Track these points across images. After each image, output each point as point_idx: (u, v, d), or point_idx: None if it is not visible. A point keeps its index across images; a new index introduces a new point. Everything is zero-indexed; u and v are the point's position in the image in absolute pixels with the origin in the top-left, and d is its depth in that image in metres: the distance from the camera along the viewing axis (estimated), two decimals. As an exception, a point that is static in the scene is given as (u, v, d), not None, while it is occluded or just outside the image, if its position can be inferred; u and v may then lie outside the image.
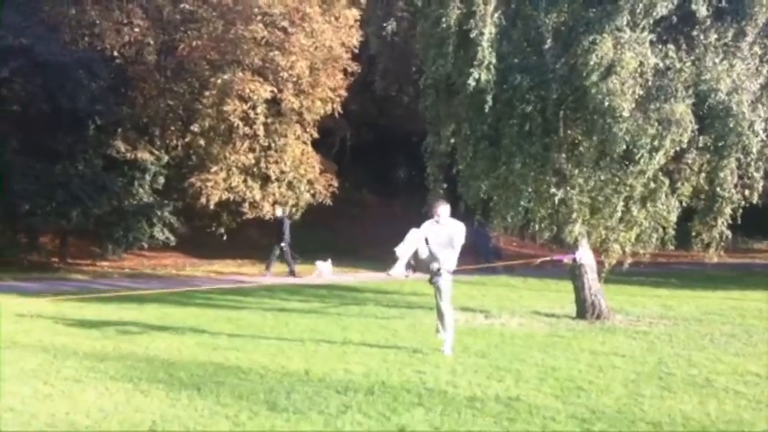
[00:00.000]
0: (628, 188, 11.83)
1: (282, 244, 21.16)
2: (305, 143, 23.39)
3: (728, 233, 12.39)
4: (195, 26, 22.77)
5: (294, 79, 22.07)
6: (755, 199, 12.19)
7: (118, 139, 22.25)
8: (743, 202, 12.18)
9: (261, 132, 21.86)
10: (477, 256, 21.24)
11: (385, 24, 13.77)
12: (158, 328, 11.25)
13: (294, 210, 23.20)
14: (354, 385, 7.61)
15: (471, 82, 11.48)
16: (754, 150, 11.65)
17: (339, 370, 8.37)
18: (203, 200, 21.91)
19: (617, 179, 11.82)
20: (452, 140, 12.91)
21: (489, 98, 11.57)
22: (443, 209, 9.40)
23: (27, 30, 20.18)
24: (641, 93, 11.31)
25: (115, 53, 22.41)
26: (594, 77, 11.09)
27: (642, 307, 14.47)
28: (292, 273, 20.99)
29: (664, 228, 12.18)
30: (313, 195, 23.50)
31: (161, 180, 22.52)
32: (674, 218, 12.12)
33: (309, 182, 23.34)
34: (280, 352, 9.41)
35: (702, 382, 8.09)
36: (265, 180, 22.70)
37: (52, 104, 19.73)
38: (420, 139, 13.45)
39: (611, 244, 12.28)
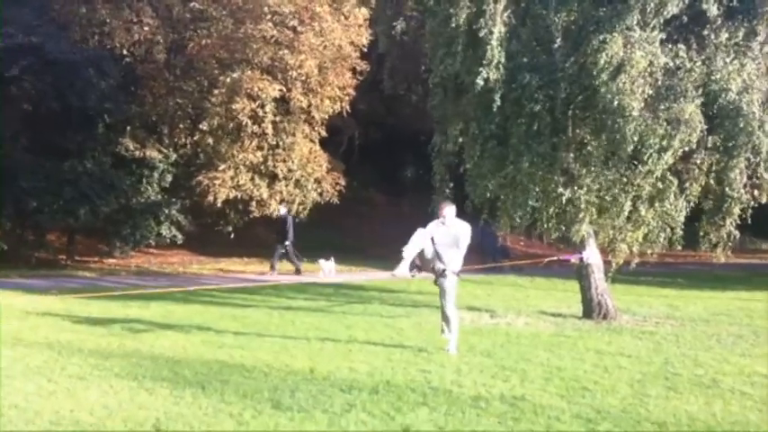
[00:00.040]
0: (636, 188, 11.78)
1: (287, 242, 21.16)
2: (313, 142, 23.42)
3: (737, 233, 12.34)
4: (205, 25, 22.81)
5: (303, 78, 22.09)
6: (764, 199, 12.16)
7: (127, 137, 22.31)
8: (752, 203, 12.12)
9: (269, 131, 21.88)
10: (484, 255, 21.20)
11: (395, 24, 13.75)
12: (164, 325, 11.25)
13: (302, 208, 23.20)
14: (359, 384, 7.58)
15: (480, 81, 11.46)
16: (764, 150, 11.60)
17: (344, 368, 8.35)
18: (211, 198, 21.94)
19: (625, 179, 11.77)
20: (460, 140, 12.88)
21: (497, 97, 11.55)
22: (449, 210, 9.36)
23: (37, 28, 20.24)
24: (651, 92, 11.27)
25: (125, 52, 22.44)
26: (604, 77, 11.05)
27: (649, 307, 14.42)
28: (298, 271, 21.00)
29: (671, 228, 12.13)
30: (320, 194, 23.52)
31: (169, 178, 22.54)
32: (682, 218, 12.07)
33: (317, 180, 23.36)
34: (284, 350, 9.40)
35: (709, 382, 8.04)
36: (273, 178, 22.73)
37: (62, 102, 19.79)
38: (428, 138, 13.43)
39: (618, 244, 12.24)
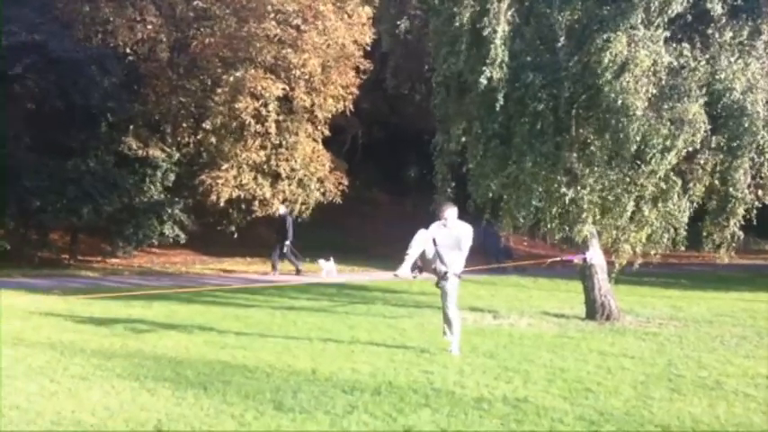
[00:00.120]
0: (639, 188, 11.75)
1: (286, 242, 21.15)
2: (316, 141, 23.40)
3: (740, 234, 12.30)
4: (208, 23, 22.78)
5: (306, 77, 22.07)
6: (769, 199, 12.11)
7: (130, 136, 22.30)
8: (756, 203, 12.08)
9: (272, 130, 21.86)
10: (487, 255, 21.16)
11: (399, 23, 13.73)
12: (166, 325, 11.24)
13: (304, 208, 23.18)
14: (361, 385, 7.57)
15: (483, 80, 11.43)
16: (769, 150, 11.56)
17: (346, 369, 8.34)
18: (214, 197, 21.92)
19: (628, 179, 11.73)
20: (463, 139, 12.85)
21: (501, 96, 11.52)
22: (450, 212, 9.33)
23: (41, 26, 20.24)
24: (654, 92, 11.24)
25: (128, 50, 22.42)
26: (608, 76, 11.02)
27: (652, 308, 14.38)
28: (298, 271, 20.99)
29: (675, 228, 12.09)
30: (323, 194, 23.49)
31: (172, 177, 22.53)
32: (685, 218, 12.02)
33: (320, 180, 23.34)
34: (287, 351, 9.39)
35: (712, 384, 8.02)
36: (276, 178, 22.72)
37: (65, 101, 19.78)
38: (432, 137, 13.40)
39: (621, 244, 12.20)
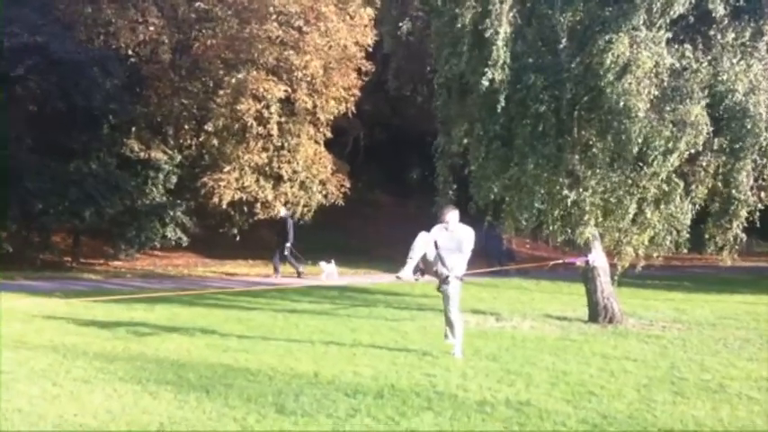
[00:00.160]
0: (641, 190, 11.73)
1: (287, 244, 21.14)
2: (317, 143, 23.39)
3: (743, 236, 12.27)
4: (210, 25, 22.80)
5: (308, 79, 22.06)
6: (772, 201, 12.08)
7: (132, 137, 22.31)
8: (759, 205, 12.05)
9: (274, 132, 21.86)
10: (490, 258, 21.13)
11: (401, 24, 13.72)
12: (169, 328, 11.23)
13: (306, 210, 23.17)
14: (363, 388, 7.55)
15: (485, 82, 11.42)
16: (772, 152, 11.54)
17: (348, 372, 8.31)
18: (216, 199, 21.91)
19: (630, 181, 11.71)
20: (465, 141, 12.83)
21: (502, 98, 11.50)
22: (452, 215, 9.30)
23: (42, 28, 20.26)
24: (656, 93, 11.22)
25: (130, 52, 22.45)
26: (610, 77, 11.00)
27: (655, 311, 14.36)
28: (299, 273, 20.98)
29: (677, 230, 12.06)
30: (325, 196, 23.48)
31: (174, 179, 22.53)
32: (688, 220, 12.00)
33: (322, 182, 23.33)
34: (289, 353, 9.37)
35: (715, 387, 7.99)
36: (278, 180, 22.71)
37: (67, 103, 19.79)
38: (434, 139, 13.39)
39: (624, 246, 12.18)
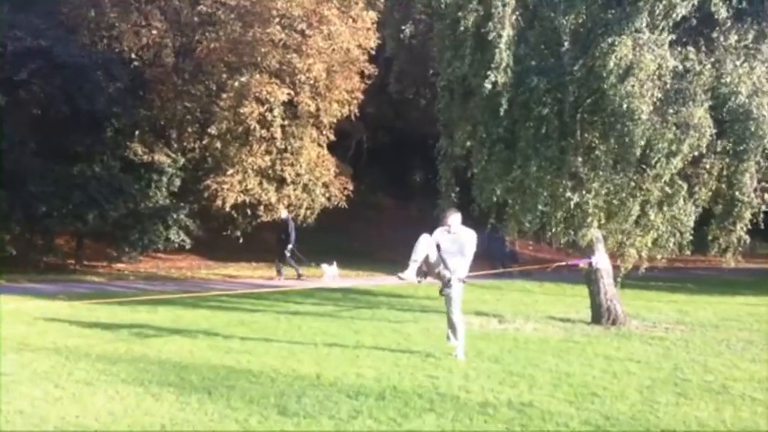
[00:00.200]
0: (644, 192, 11.72)
1: (289, 246, 21.14)
2: (320, 146, 23.40)
3: (747, 238, 12.25)
4: (213, 28, 22.84)
5: (311, 82, 22.06)
6: (775, 203, 12.05)
7: (135, 141, 22.35)
8: (762, 207, 12.02)
9: (278, 135, 21.87)
10: (493, 260, 21.10)
11: (403, 27, 13.73)
12: (171, 330, 11.24)
13: (309, 213, 23.16)
14: (366, 390, 7.54)
15: (488, 85, 11.41)
16: (775, 154, 11.53)
17: (351, 374, 8.31)
18: (219, 202, 21.92)
19: (633, 183, 11.71)
20: (468, 143, 12.83)
21: (504, 101, 11.50)
22: (454, 218, 9.31)
23: (46, 32, 20.31)
24: (659, 96, 11.20)
25: (133, 55, 22.51)
26: (613, 80, 10.99)
27: (658, 312, 14.34)
28: (299, 275, 20.98)
29: (681, 232, 12.04)
30: (328, 198, 23.48)
31: (177, 182, 22.52)
32: (691, 222, 11.98)
33: (325, 185, 23.33)
34: (291, 355, 9.36)
35: (718, 388, 7.98)
36: (281, 183, 22.71)
37: (70, 106, 19.82)
38: (436, 142, 13.39)
39: (627, 248, 12.17)
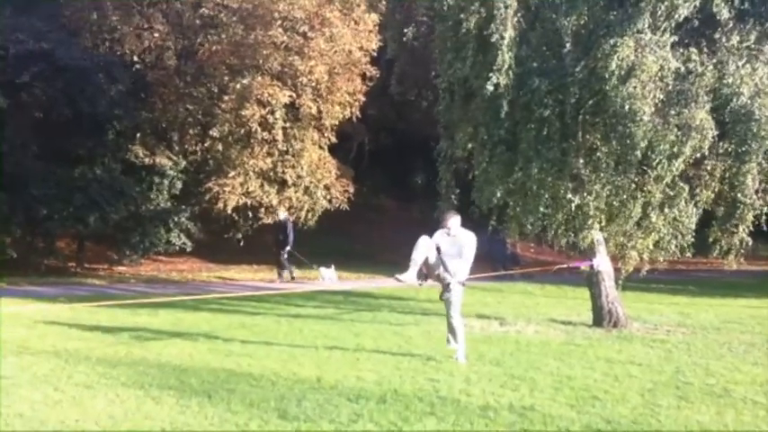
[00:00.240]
0: (646, 194, 11.69)
1: (287, 248, 21.12)
2: (322, 148, 23.39)
3: (749, 240, 12.21)
4: (215, 31, 22.83)
5: (313, 84, 22.06)
6: (777, 205, 12.01)
7: (137, 143, 22.33)
8: (765, 209, 11.98)
9: (279, 137, 21.84)
10: (494, 262, 21.07)
11: (406, 30, 13.71)
12: (172, 333, 11.23)
13: (310, 215, 23.14)
14: (366, 393, 7.52)
15: (490, 87, 11.39)
16: (777, 156, 11.49)
17: (351, 377, 8.30)
18: (221, 205, 21.91)
19: (634, 185, 11.68)
20: (470, 145, 12.81)
21: (506, 103, 11.49)
22: (454, 220, 9.30)
23: (48, 35, 20.31)
24: (661, 97, 11.18)
25: (135, 58, 22.49)
26: (614, 81, 10.97)
27: (660, 315, 14.31)
28: (292, 278, 20.96)
29: (682, 234, 12.00)
30: (329, 200, 23.46)
31: (179, 185, 22.50)
32: (692, 224, 11.95)
33: (326, 187, 23.31)
34: (292, 358, 9.35)
35: (720, 391, 7.95)
36: (282, 185, 22.69)
37: (72, 109, 19.80)
38: (438, 143, 13.37)
39: (628, 251, 12.14)
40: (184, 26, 23.28)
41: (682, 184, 11.70)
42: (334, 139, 23.65)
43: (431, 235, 9.25)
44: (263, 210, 22.54)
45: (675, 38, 11.35)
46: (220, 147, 22.72)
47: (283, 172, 22.49)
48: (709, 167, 12.05)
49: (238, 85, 21.72)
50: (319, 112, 22.51)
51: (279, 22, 21.84)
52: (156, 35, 22.56)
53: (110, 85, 20.91)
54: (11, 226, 20.04)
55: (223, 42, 22.44)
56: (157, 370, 8.56)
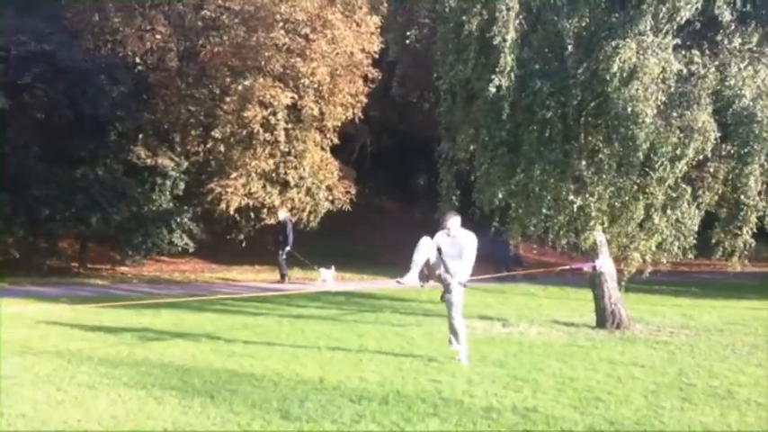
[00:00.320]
0: (648, 196, 11.69)
1: (287, 248, 21.13)
2: (324, 149, 23.38)
3: (752, 242, 12.20)
4: (217, 33, 22.81)
5: (315, 86, 22.05)
6: (780, 206, 12.00)
7: (138, 144, 22.31)
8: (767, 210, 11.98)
9: (281, 138, 21.84)
10: (497, 263, 21.08)
11: (407, 32, 13.71)
12: (174, 334, 11.23)
13: (312, 216, 23.14)
14: (369, 394, 7.52)
15: (492, 89, 11.38)
16: (779, 157, 11.48)
17: (354, 378, 8.29)
18: (223, 205, 21.91)
19: (636, 186, 11.68)
20: (472, 147, 12.80)
21: (507, 105, 11.49)
22: (454, 221, 9.30)
23: (50, 36, 20.31)
24: (663, 99, 11.18)
25: (137, 59, 22.47)
26: (616, 83, 10.97)
27: (663, 316, 14.30)
28: (282, 275, 20.98)
29: (685, 236, 11.99)
30: (332, 201, 23.46)
31: (181, 186, 22.48)
32: (695, 226, 11.94)
33: (328, 188, 23.30)
34: (294, 359, 9.35)
35: (724, 393, 7.94)
36: (284, 186, 22.68)
37: (74, 110, 19.80)
38: (440, 145, 13.37)
39: (631, 252, 12.13)
40: (186, 28, 23.28)
41: (684, 186, 11.69)
42: (336, 141, 23.63)
43: (432, 236, 9.25)
44: (265, 211, 22.53)
45: (677, 40, 11.35)
46: (222, 148, 22.71)
47: (285, 173, 22.48)
48: (711, 169, 12.05)
49: (240, 87, 21.72)
50: (321, 113, 22.51)
51: (280, 23, 21.84)
52: (158, 37, 22.56)
53: (111, 87, 20.90)
54: (13, 226, 20.05)
55: (225, 44, 22.43)
56: (160, 370, 8.57)
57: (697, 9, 11.13)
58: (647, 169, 11.54)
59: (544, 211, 12.05)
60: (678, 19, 11.12)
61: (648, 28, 11.08)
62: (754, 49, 11.52)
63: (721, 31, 11.51)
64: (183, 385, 7.83)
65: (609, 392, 7.82)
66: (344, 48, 22.23)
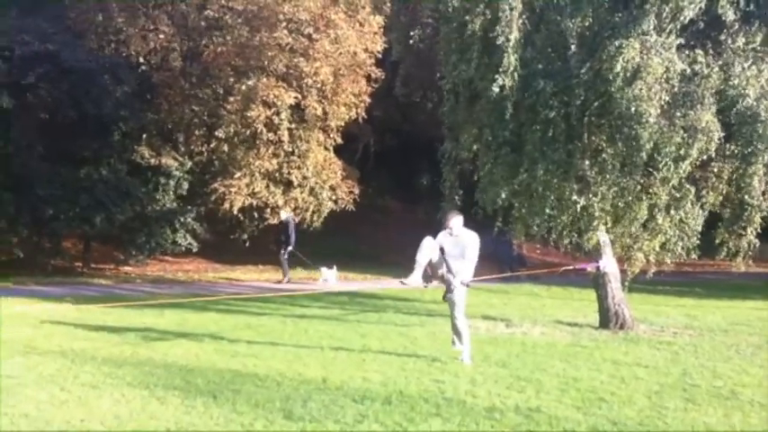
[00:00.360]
0: (652, 196, 11.67)
1: (289, 248, 21.14)
2: (327, 149, 23.40)
3: (756, 242, 12.18)
4: (220, 33, 22.84)
5: (318, 85, 22.06)
6: (786, 207, 11.98)
7: (142, 144, 22.34)
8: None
9: (285, 138, 21.87)
10: (500, 264, 21.06)
11: (412, 33, 13.71)
12: (178, 333, 11.24)
13: (316, 216, 23.14)
14: (372, 394, 7.52)
15: (495, 88, 11.37)
16: (784, 157, 11.46)
17: (357, 378, 8.29)
18: (226, 205, 21.93)
19: (640, 186, 11.66)
20: (475, 147, 12.79)
21: (510, 105, 11.48)
22: (456, 220, 9.29)
23: (53, 36, 20.35)
24: (667, 99, 11.16)
25: (141, 59, 22.50)
26: (620, 83, 10.95)
27: (666, 317, 14.27)
28: (284, 277, 20.98)
29: (689, 236, 11.97)
30: (335, 201, 23.46)
31: (185, 186, 22.51)
32: (699, 226, 11.92)
33: (332, 188, 23.31)
34: (297, 359, 9.35)
35: (728, 394, 7.92)
36: (288, 186, 22.70)
37: (78, 110, 19.82)
38: (443, 145, 13.36)
39: (634, 252, 12.11)
40: (190, 28, 23.30)
41: (688, 186, 11.67)
42: (339, 140, 23.66)
43: (435, 236, 9.25)
44: (268, 210, 22.55)
45: (681, 40, 11.33)
46: (226, 148, 22.73)
47: (289, 173, 22.50)
48: (715, 169, 12.04)
49: (244, 87, 21.74)
50: (325, 113, 22.52)
51: (284, 23, 21.86)
52: (162, 37, 22.59)
53: (115, 87, 20.93)
54: (17, 226, 20.09)
55: (228, 44, 22.45)
56: (163, 370, 8.58)
57: (700, 9, 11.12)
58: (650, 169, 11.52)
59: (547, 211, 12.04)
60: (682, 19, 11.10)
61: (652, 28, 11.06)
62: (758, 48, 11.50)
63: (725, 30, 11.48)
64: (186, 385, 7.83)
65: (612, 393, 7.80)
66: (347, 47, 22.24)
